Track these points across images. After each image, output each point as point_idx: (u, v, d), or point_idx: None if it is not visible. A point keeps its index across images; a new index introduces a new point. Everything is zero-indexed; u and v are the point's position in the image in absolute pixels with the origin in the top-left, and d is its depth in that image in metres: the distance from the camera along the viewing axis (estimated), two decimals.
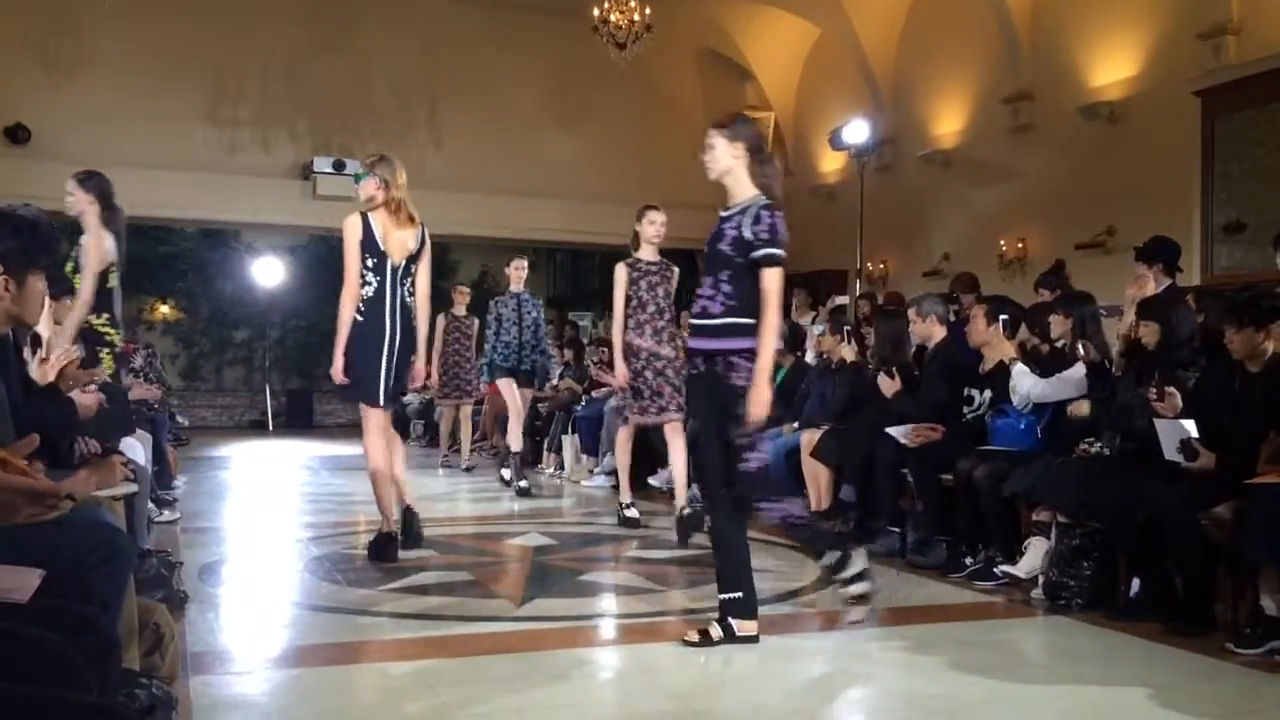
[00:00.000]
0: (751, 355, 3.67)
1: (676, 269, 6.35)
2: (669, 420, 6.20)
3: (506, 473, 8.49)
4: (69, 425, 3.25)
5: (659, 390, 6.15)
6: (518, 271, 8.59)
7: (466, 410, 10.34)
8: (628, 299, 6.16)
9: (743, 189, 3.82)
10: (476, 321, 9.96)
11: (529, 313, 8.45)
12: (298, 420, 17.36)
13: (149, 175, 11.81)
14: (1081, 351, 5.09)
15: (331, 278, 21.10)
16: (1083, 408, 4.88)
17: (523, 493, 8.02)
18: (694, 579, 4.94)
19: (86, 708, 1.62)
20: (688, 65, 14.33)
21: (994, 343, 5.46)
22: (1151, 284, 5.62)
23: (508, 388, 8.34)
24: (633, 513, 6.51)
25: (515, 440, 8.32)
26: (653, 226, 6.18)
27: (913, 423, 5.47)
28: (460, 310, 10.21)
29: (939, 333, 5.77)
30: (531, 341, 8.44)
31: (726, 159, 3.80)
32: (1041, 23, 10.04)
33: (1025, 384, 5.09)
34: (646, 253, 6.26)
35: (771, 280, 3.68)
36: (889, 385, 5.75)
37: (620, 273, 6.19)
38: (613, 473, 8.70)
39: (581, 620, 4.27)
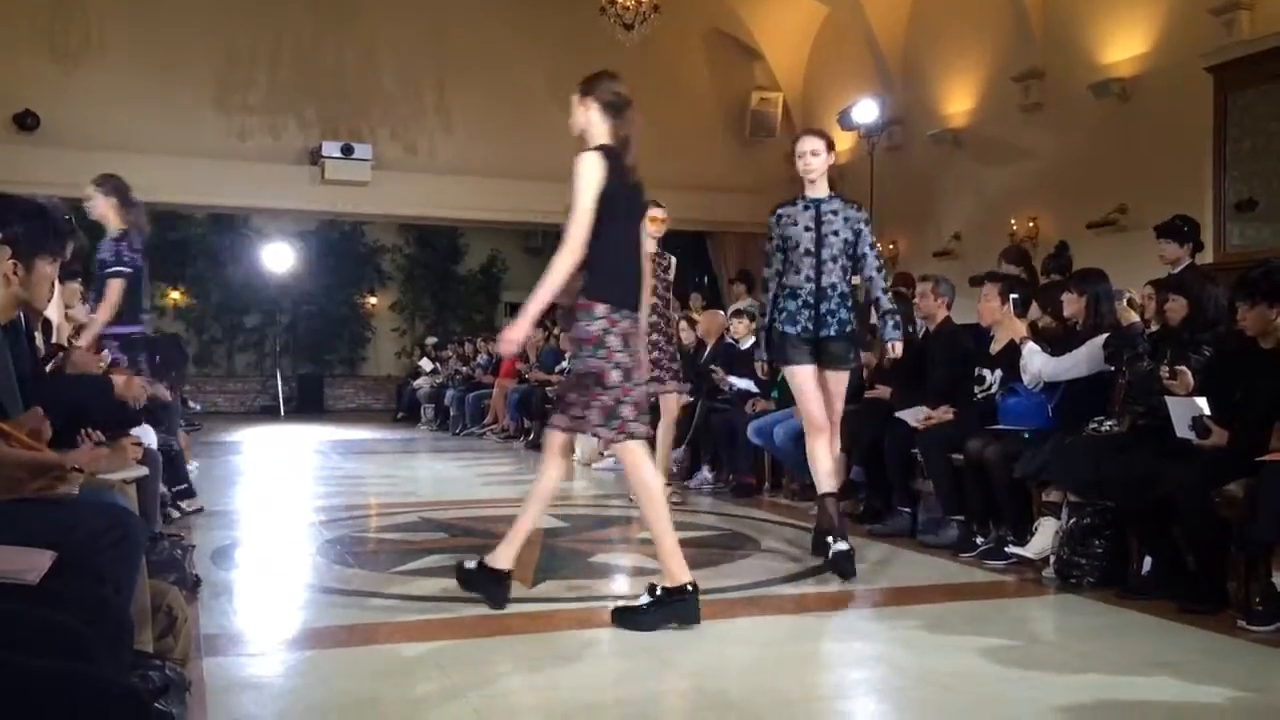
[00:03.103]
0: None
1: None
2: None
3: (843, 544, 4.52)
4: (104, 403, 3.30)
5: None
6: (813, 158, 4.60)
7: (670, 402, 6.50)
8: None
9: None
10: (673, 261, 6.62)
11: (839, 234, 4.59)
12: (309, 405, 17.43)
13: (158, 161, 11.83)
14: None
15: (340, 263, 20.95)
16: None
17: (843, 567, 4.46)
18: (705, 560, 4.95)
19: (104, 682, 1.63)
20: (696, 45, 14.26)
21: (1005, 322, 5.45)
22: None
23: (806, 377, 4.63)
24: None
25: (826, 476, 4.65)
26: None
27: (921, 405, 5.47)
28: (651, 245, 5.97)
29: (941, 314, 5.83)
30: (845, 289, 4.65)
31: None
32: None
33: (1036, 363, 5.07)
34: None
35: None
36: (883, 394, 5.76)
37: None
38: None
39: (592, 601, 4.27)
